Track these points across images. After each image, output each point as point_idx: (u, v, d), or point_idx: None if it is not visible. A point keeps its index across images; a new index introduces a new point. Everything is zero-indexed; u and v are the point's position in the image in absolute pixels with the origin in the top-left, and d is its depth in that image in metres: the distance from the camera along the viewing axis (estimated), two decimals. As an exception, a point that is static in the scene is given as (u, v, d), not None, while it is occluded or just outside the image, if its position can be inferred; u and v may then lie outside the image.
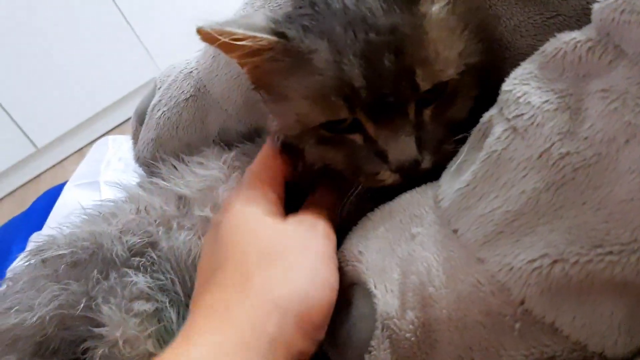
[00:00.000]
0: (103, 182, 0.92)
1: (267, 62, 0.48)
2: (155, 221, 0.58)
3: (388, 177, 0.47)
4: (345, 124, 0.47)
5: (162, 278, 0.55)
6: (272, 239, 0.44)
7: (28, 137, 2.62)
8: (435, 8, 0.44)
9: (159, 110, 0.73)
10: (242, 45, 0.46)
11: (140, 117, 0.77)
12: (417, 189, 0.47)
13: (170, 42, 2.39)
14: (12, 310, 0.61)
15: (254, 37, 0.46)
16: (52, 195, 1.14)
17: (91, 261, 0.58)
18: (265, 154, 0.53)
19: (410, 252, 0.42)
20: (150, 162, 0.73)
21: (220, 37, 0.45)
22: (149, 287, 0.54)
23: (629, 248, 0.31)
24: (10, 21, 2.40)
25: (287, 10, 0.50)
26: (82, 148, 2.76)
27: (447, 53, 0.44)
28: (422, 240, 0.42)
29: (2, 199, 2.66)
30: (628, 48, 0.33)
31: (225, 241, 0.44)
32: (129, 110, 2.65)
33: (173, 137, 0.72)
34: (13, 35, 2.42)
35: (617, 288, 0.33)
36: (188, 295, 0.56)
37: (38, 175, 2.72)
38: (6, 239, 1.11)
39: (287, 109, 0.49)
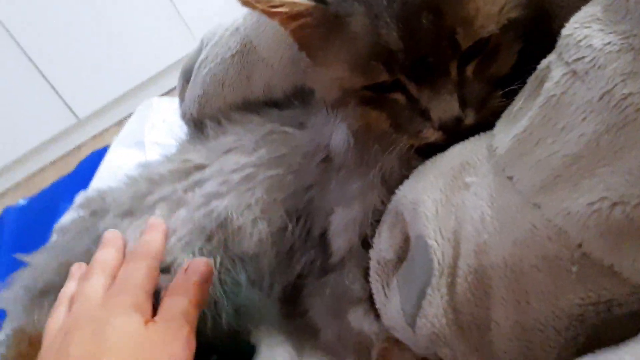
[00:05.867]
0: (148, 142, 0.94)
1: (306, 27, 0.49)
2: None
3: (431, 134, 0.47)
4: (387, 84, 0.47)
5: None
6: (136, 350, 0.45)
7: (70, 108, 2.67)
8: None
9: (206, 67, 0.74)
10: (281, 11, 0.47)
11: (187, 75, 0.78)
12: (471, 139, 0.46)
13: (208, 14, 2.40)
14: (61, 258, 0.64)
15: (292, 2, 0.46)
16: (97, 157, 1.16)
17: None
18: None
19: (464, 200, 0.42)
20: (197, 119, 0.75)
21: (257, 5, 0.46)
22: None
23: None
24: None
25: None
26: (122, 120, 2.79)
27: (487, 8, 0.43)
28: (476, 190, 0.42)
29: (44, 167, 2.72)
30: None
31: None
32: (167, 83, 2.70)
33: (219, 94, 0.73)
34: (57, 6, 2.45)
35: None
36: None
37: (79, 146, 2.77)
38: (53, 199, 1.14)
39: (327, 73, 0.50)
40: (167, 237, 0.59)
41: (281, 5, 0.47)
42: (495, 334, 0.39)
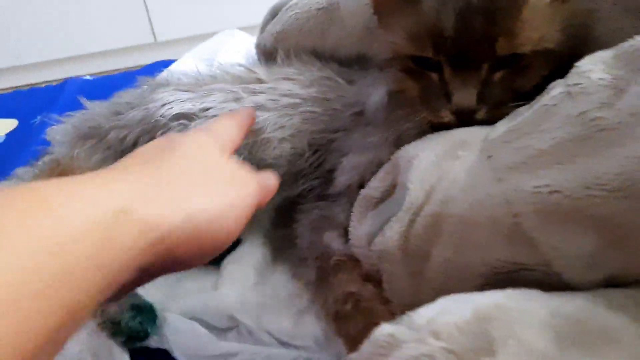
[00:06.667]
0: (217, 62, 1.04)
1: None
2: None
3: (446, 115, 0.56)
4: (429, 61, 0.57)
5: None
6: (214, 169, 0.44)
7: (152, 27, 2.80)
8: None
9: (292, 11, 0.84)
10: None
11: (275, 12, 0.89)
12: (478, 126, 0.55)
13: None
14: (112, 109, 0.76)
15: None
16: (165, 64, 1.27)
17: None
18: (237, 119, 0.56)
19: (450, 166, 0.51)
20: (268, 51, 0.85)
21: None
22: None
23: (612, 195, 0.39)
24: None
25: None
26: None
27: (530, 33, 0.53)
28: (463, 161, 0.51)
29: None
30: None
31: (168, 151, 0.43)
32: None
33: (294, 37, 0.83)
34: None
35: (594, 224, 0.41)
36: None
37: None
38: (116, 85, 1.25)
39: (389, 36, 0.60)
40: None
41: None
42: (430, 265, 0.48)
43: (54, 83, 1.41)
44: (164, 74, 0.83)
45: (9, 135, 1.18)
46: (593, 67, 0.46)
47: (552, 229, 0.42)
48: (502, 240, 0.44)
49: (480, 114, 0.55)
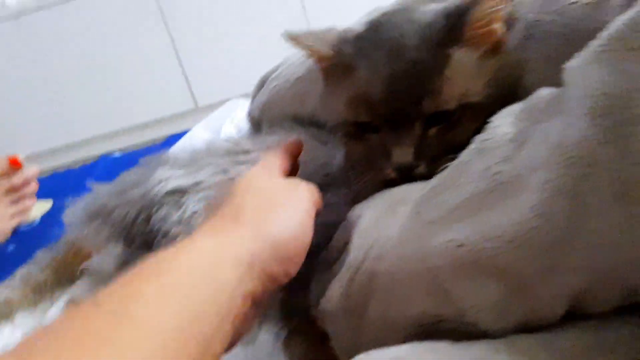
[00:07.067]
0: (223, 132, 1.11)
1: (329, 66, 0.65)
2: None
3: (390, 173, 0.60)
4: (369, 125, 0.61)
5: None
6: (270, 189, 0.54)
7: (192, 94, 2.94)
8: (460, 54, 0.57)
9: (275, 81, 0.91)
10: (315, 50, 0.63)
11: (261, 83, 0.95)
12: (418, 182, 0.58)
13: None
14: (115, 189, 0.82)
15: (317, 49, 0.63)
16: (184, 134, 1.35)
17: None
18: (279, 151, 0.63)
19: (389, 222, 0.54)
20: (257, 120, 0.92)
21: (299, 43, 0.63)
22: None
23: (508, 245, 0.42)
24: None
25: (360, 31, 0.65)
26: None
27: (453, 90, 0.57)
28: (399, 218, 0.54)
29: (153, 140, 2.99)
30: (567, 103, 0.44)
31: (233, 190, 0.54)
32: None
33: (278, 105, 0.89)
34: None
35: (497, 274, 0.43)
36: None
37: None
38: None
39: (332, 104, 0.65)
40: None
41: (313, 48, 0.62)
42: (366, 321, 0.51)
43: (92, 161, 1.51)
44: (174, 148, 0.90)
45: (44, 217, 1.27)
46: (502, 122, 0.49)
47: (462, 280, 0.45)
48: (424, 293, 0.47)
49: (420, 169, 0.58)
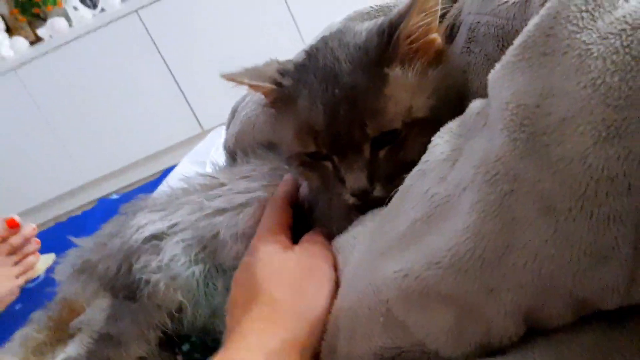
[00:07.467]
0: (208, 162, 1.11)
1: (272, 101, 0.64)
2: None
3: (348, 198, 0.58)
4: (320, 153, 0.60)
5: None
6: (292, 269, 0.55)
7: (197, 119, 2.96)
8: (398, 71, 0.56)
9: (245, 110, 0.90)
10: (254, 87, 0.63)
11: (233, 112, 0.94)
12: (375, 211, 0.57)
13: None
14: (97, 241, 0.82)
15: (257, 85, 0.62)
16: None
17: None
18: (278, 203, 0.66)
19: (350, 259, 0.53)
20: (232, 150, 0.91)
21: (240, 82, 0.61)
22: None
23: (448, 271, 0.40)
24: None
25: (299, 60, 0.64)
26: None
27: (395, 109, 0.55)
28: (356, 252, 0.53)
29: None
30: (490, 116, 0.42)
31: (257, 278, 0.55)
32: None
33: (249, 133, 0.88)
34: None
35: (444, 300, 0.42)
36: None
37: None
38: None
39: (282, 136, 0.64)
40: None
41: (251, 85, 0.62)
42: (336, 358, 0.50)
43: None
44: (139, 200, 0.90)
45: (49, 270, 1.28)
46: (439, 140, 0.48)
47: (415, 310, 0.44)
48: (380, 327, 0.46)
49: (377, 192, 0.57)
